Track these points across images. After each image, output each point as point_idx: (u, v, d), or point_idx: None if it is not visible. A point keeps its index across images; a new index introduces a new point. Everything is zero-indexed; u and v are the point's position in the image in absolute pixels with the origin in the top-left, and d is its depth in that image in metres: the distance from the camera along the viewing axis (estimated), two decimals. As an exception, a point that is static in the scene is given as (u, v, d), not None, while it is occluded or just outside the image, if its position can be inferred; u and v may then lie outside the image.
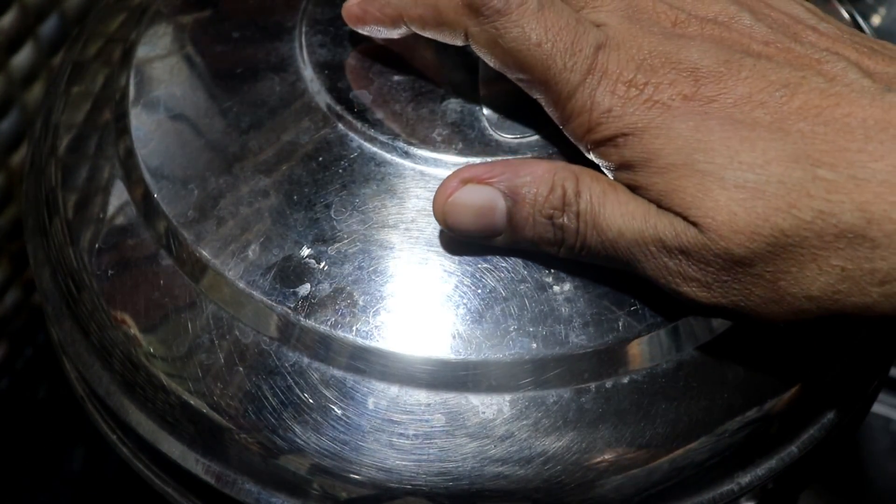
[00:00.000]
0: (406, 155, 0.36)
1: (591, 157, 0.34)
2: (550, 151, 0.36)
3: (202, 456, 0.35)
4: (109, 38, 0.43)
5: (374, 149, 0.36)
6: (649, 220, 0.32)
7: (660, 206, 0.32)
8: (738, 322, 0.34)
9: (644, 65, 0.32)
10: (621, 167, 0.32)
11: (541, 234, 0.33)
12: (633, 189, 0.33)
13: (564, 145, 0.36)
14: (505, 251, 0.34)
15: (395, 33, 0.37)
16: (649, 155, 0.32)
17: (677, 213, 0.31)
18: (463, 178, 0.33)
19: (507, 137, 0.36)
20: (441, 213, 0.33)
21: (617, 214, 0.32)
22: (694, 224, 0.31)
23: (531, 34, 0.32)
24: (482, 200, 0.33)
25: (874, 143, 0.29)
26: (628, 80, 0.32)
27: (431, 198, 0.35)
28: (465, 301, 0.33)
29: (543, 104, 0.34)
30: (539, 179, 0.33)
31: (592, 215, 0.32)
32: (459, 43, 0.35)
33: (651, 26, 0.33)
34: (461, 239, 0.34)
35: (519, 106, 0.36)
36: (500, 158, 0.36)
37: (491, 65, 0.34)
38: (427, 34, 0.36)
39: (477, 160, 0.35)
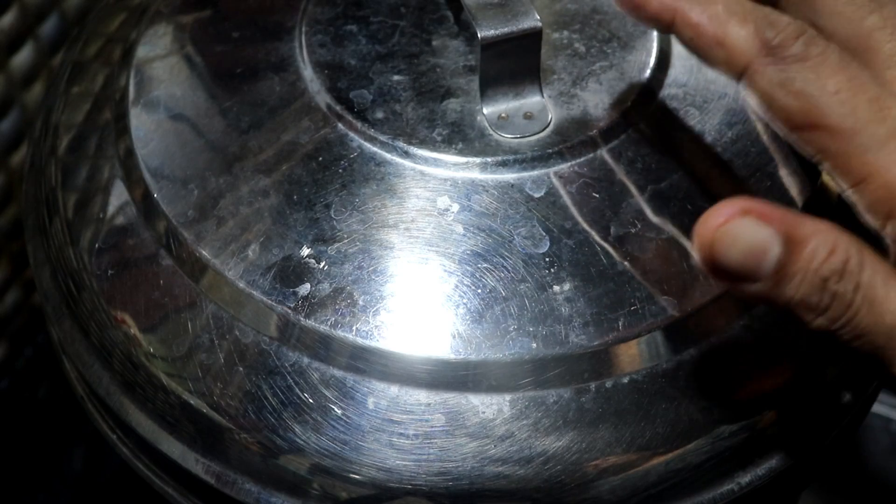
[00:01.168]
0: (406, 155, 0.36)
1: (886, 229, 0.30)
2: (551, 151, 0.36)
3: (202, 456, 0.35)
4: (109, 38, 0.43)
5: (374, 149, 0.36)
6: None
7: None
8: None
9: None
10: None
11: (805, 294, 0.29)
12: None
13: (565, 146, 0.36)
14: (507, 254, 0.34)
15: (658, 27, 0.33)
16: None
17: None
18: (743, 207, 0.29)
19: (507, 137, 0.36)
20: (709, 239, 0.29)
21: None
22: None
23: (828, 82, 0.30)
24: (758, 239, 0.29)
25: None
26: None
27: (431, 197, 0.35)
28: (465, 301, 0.33)
29: (825, 158, 0.31)
30: (823, 236, 0.29)
31: (873, 292, 0.29)
32: (729, 74, 0.31)
33: None
34: (711, 273, 0.29)
35: (519, 106, 0.36)
36: (499, 158, 0.35)
37: (760, 108, 0.31)
38: (691, 47, 0.32)
39: (477, 160, 0.35)
